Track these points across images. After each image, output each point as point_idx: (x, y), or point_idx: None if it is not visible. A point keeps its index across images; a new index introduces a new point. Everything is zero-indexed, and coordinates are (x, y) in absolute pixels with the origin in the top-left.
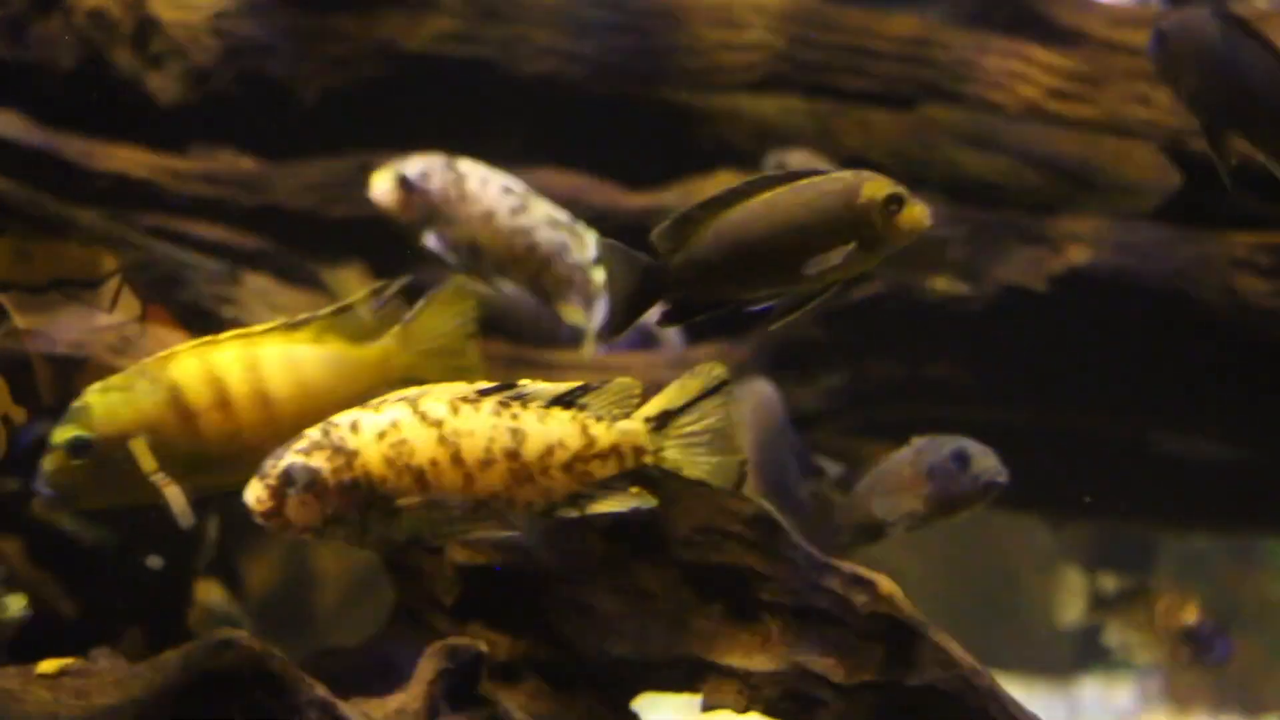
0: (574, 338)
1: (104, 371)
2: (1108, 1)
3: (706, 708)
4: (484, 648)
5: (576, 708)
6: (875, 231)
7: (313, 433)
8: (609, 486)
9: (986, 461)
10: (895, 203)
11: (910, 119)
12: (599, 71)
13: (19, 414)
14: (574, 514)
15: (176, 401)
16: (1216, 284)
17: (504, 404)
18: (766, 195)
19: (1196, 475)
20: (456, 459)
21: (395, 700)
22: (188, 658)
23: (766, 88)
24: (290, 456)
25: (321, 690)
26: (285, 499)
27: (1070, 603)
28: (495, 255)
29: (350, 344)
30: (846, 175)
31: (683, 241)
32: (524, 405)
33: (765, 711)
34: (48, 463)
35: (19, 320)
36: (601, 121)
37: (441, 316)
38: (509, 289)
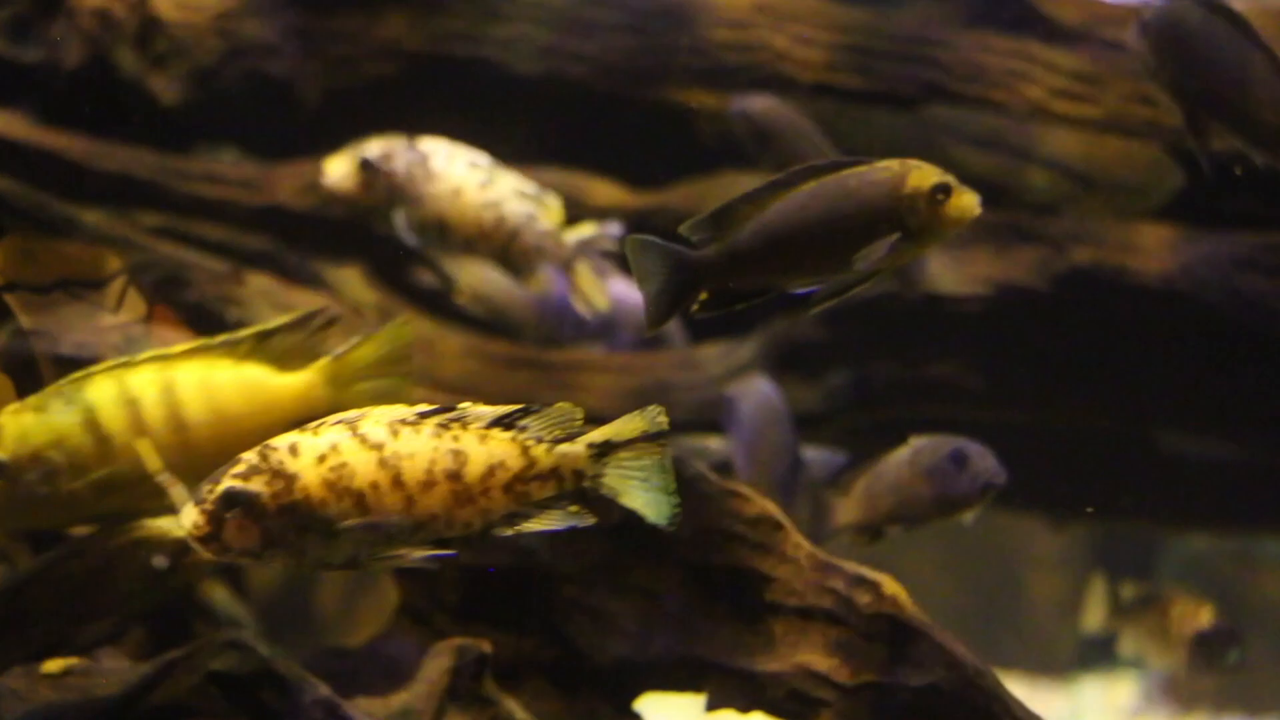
0: (576, 338)
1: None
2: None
3: (710, 708)
4: (487, 648)
5: (580, 708)
6: (922, 221)
7: (250, 456)
8: (546, 505)
9: (984, 462)
10: (942, 192)
11: (913, 118)
12: (602, 71)
13: None
14: (509, 533)
15: (91, 423)
16: (1220, 284)
17: (444, 426)
18: (811, 185)
19: (1199, 475)
20: (397, 482)
21: (399, 700)
22: (193, 657)
23: (770, 88)
24: (228, 480)
25: (325, 690)
26: (223, 523)
27: (1093, 609)
28: (464, 231)
29: (273, 370)
30: (893, 164)
31: (724, 232)
32: (464, 427)
33: (769, 711)
34: None
35: (25, 320)
36: (604, 121)
37: (376, 355)
38: (492, 287)
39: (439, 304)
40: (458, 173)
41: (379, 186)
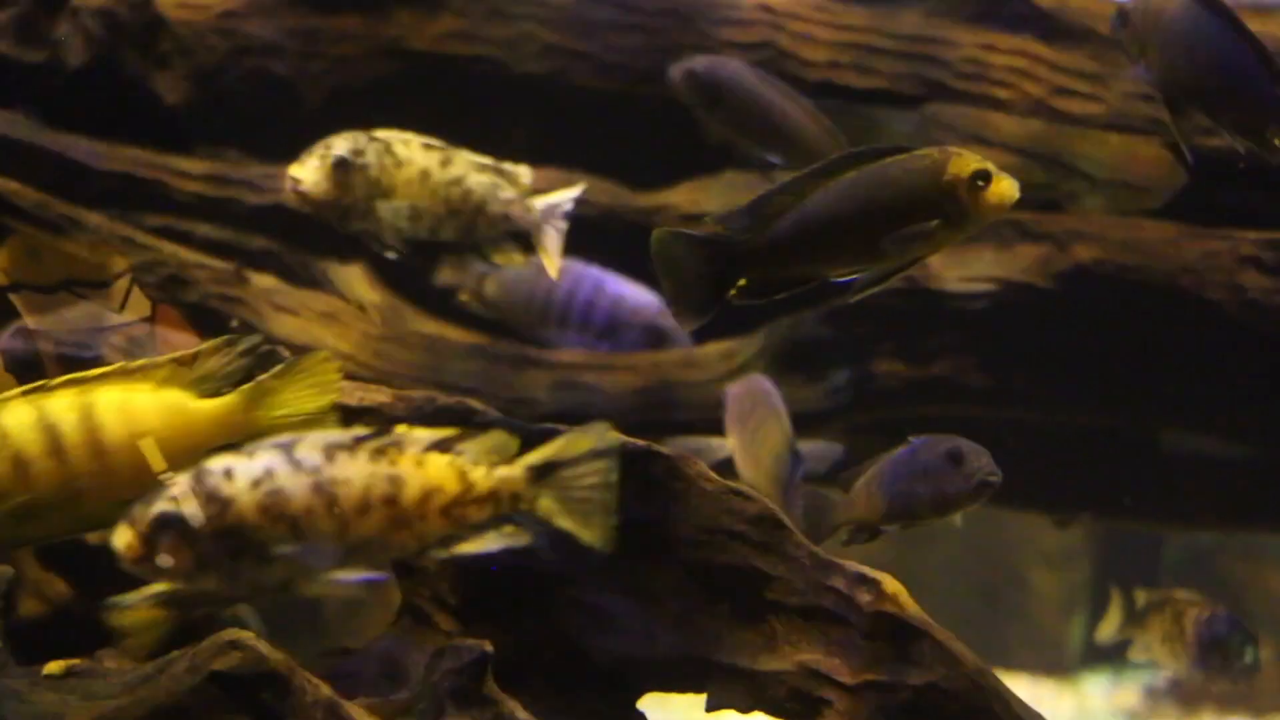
0: (580, 339)
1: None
2: None
3: (712, 707)
4: (489, 648)
5: (582, 708)
6: (961, 207)
7: (185, 478)
8: (483, 527)
9: (980, 461)
10: (982, 178)
11: (916, 117)
12: (605, 70)
13: None
14: (444, 555)
15: (6, 449)
16: (1223, 281)
17: (381, 451)
18: (850, 174)
19: (1203, 473)
20: (332, 507)
21: (400, 700)
22: (194, 659)
23: None
24: (162, 503)
25: (327, 691)
26: (156, 546)
27: (1108, 620)
28: (433, 213)
29: (193, 395)
30: (932, 152)
31: (762, 221)
32: (401, 451)
33: (770, 711)
34: None
35: (30, 320)
36: (607, 120)
37: (299, 385)
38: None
39: (443, 302)
40: (419, 155)
41: (356, 184)
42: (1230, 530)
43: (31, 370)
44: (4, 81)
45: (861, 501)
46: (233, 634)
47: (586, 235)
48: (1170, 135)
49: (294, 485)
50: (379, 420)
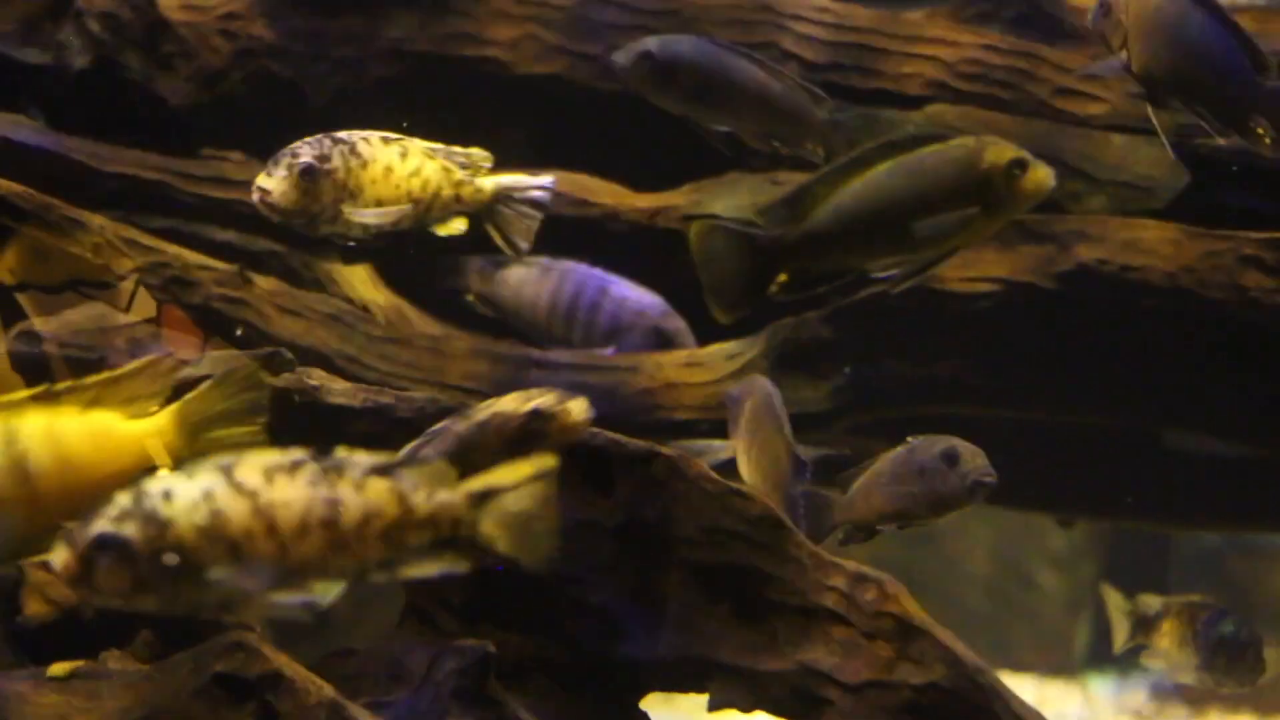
0: (583, 340)
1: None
2: None
3: (714, 707)
4: (493, 648)
5: (585, 708)
6: (998, 196)
7: (124, 500)
8: (422, 552)
9: (975, 461)
10: (1018, 167)
11: (920, 118)
12: (608, 71)
13: None
14: (384, 578)
15: None
16: (1225, 281)
17: (321, 474)
18: (887, 164)
19: (1208, 472)
20: (272, 530)
21: (404, 701)
22: (198, 660)
23: None
24: (100, 524)
25: (330, 691)
26: (94, 567)
27: (1117, 628)
28: (398, 205)
29: (121, 416)
30: (968, 141)
31: (800, 214)
32: (340, 474)
33: (772, 710)
34: None
35: (37, 321)
36: (609, 121)
37: (226, 402)
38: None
39: (447, 304)
40: (379, 151)
41: (324, 189)
42: (1232, 530)
43: (40, 371)
44: (8, 83)
45: (859, 502)
46: (236, 635)
47: (586, 235)
48: (1170, 134)
49: (233, 508)
50: (383, 421)
